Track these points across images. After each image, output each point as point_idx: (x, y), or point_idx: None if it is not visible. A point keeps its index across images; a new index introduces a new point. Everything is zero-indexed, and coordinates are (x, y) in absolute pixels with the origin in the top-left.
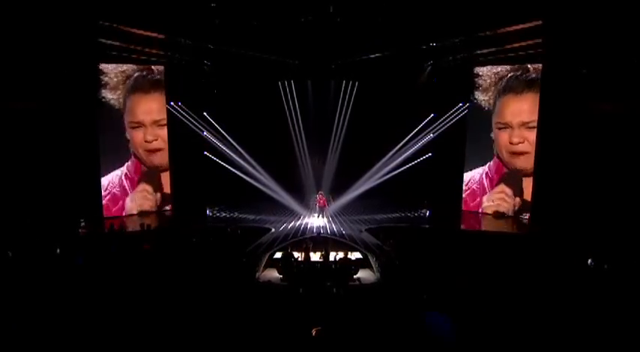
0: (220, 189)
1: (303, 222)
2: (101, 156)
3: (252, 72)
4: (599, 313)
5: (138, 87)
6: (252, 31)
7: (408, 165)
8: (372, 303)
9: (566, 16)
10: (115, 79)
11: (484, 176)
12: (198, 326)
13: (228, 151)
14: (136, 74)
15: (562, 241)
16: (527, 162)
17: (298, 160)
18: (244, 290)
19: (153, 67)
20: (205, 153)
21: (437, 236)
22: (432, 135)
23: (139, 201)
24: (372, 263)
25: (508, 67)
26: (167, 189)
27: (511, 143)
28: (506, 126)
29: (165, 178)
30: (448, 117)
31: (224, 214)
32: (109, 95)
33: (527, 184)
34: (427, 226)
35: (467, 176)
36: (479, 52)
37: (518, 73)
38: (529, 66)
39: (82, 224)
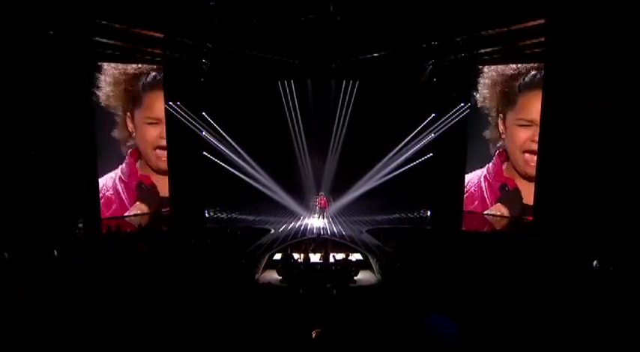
0: (219, 189)
1: (303, 223)
2: (98, 157)
3: (251, 71)
4: (604, 315)
5: (156, 84)
6: (252, 30)
7: (408, 166)
8: (373, 305)
9: (571, 14)
10: (114, 79)
11: (482, 179)
12: (197, 328)
13: (227, 151)
14: (153, 73)
15: (565, 242)
16: None
17: (298, 160)
18: (244, 291)
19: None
20: (204, 153)
21: (438, 237)
22: (432, 135)
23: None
24: (373, 264)
25: (515, 66)
26: (164, 192)
27: (534, 141)
28: (532, 123)
29: (164, 182)
30: (449, 117)
31: (223, 215)
32: (107, 95)
33: (530, 188)
34: (428, 227)
35: (465, 178)
36: (481, 51)
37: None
38: None
39: (80, 225)
